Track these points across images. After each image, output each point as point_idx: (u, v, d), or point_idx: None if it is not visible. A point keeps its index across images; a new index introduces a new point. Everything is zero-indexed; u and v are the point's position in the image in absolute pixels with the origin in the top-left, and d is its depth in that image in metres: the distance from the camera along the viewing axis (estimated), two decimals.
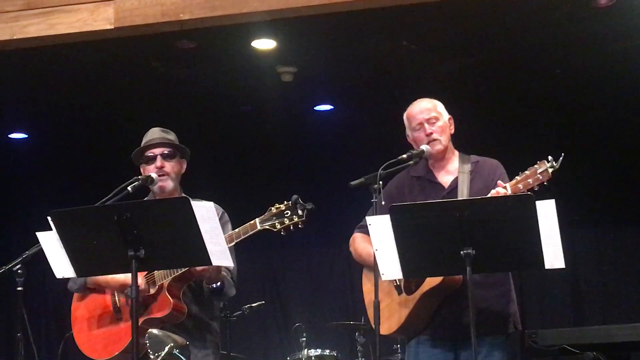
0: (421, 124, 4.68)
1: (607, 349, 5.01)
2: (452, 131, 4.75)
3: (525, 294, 8.45)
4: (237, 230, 4.37)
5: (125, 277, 4.34)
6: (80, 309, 4.70)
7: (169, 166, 4.66)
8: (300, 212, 4.29)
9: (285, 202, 4.32)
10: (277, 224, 4.30)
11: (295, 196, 4.31)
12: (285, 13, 5.71)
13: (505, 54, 7.44)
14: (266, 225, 4.32)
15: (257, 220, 4.33)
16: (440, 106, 4.75)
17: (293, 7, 5.61)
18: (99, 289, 4.65)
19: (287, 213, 4.29)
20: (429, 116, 4.68)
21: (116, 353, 4.48)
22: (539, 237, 3.95)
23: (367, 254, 4.50)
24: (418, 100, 4.79)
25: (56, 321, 9.89)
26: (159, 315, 4.41)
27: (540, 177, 4.22)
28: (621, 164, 8.66)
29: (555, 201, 3.97)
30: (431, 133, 4.65)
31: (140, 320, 4.33)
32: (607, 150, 8.62)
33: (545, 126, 8.42)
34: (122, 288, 4.51)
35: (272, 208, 4.32)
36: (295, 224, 4.30)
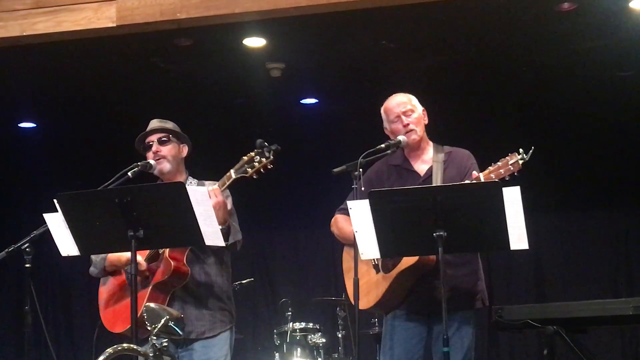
0: (398, 116, 4.69)
1: (566, 323, 5.01)
2: (426, 122, 4.78)
3: (493, 272, 8.47)
4: (217, 183, 4.35)
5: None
6: (104, 292, 4.69)
7: (164, 150, 4.64)
8: (267, 154, 4.25)
9: (255, 149, 4.27)
10: (248, 169, 4.26)
11: (259, 140, 4.27)
12: (275, 13, 5.70)
13: (476, 53, 7.45)
14: (240, 173, 4.28)
15: (231, 170, 4.32)
16: (414, 100, 4.77)
17: (282, 8, 5.61)
18: (117, 270, 4.63)
19: (257, 158, 4.26)
20: (405, 109, 4.70)
21: (129, 325, 4.46)
22: (505, 220, 3.97)
23: (349, 231, 4.51)
24: (394, 95, 4.80)
25: (62, 296, 9.89)
26: (161, 278, 4.37)
27: (512, 168, 4.24)
28: (582, 154, 8.69)
29: (520, 188, 3.99)
30: (408, 124, 4.67)
31: (148, 290, 4.35)
32: (569, 141, 8.64)
33: (512, 119, 8.44)
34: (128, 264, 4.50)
35: (244, 157, 4.29)
36: (265, 166, 4.25)
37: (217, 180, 4.41)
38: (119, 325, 4.52)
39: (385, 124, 4.78)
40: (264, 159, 4.25)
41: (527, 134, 7.86)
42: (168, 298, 4.40)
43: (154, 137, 4.67)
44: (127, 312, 4.41)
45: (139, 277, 4.36)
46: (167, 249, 4.39)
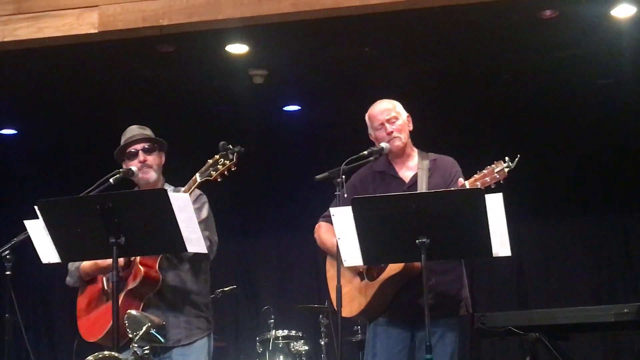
0: (382, 123, 4.69)
1: (548, 330, 5.03)
2: (411, 128, 4.77)
3: (476, 279, 8.49)
4: (183, 188, 4.34)
5: (108, 262, 4.29)
6: (81, 302, 4.64)
7: (150, 159, 4.59)
8: (230, 156, 4.24)
9: (220, 152, 4.27)
10: (212, 172, 4.25)
11: (222, 142, 4.27)
12: (257, 20, 5.69)
13: (458, 60, 7.46)
14: (205, 177, 4.27)
15: (197, 174, 4.31)
16: (399, 106, 4.76)
17: (264, 15, 5.60)
18: (93, 279, 4.59)
19: (221, 160, 4.25)
20: (389, 116, 4.69)
21: (104, 332, 4.41)
22: (488, 227, 3.98)
23: (331, 243, 4.51)
24: (379, 101, 4.80)
25: (42, 303, 9.83)
26: (132, 285, 4.32)
27: (497, 176, 4.24)
28: (564, 161, 8.72)
29: (503, 195, 4.00)
30: (392, 132, 4.67)
31: (121, 297, 4.28)
32: (551, 149, 8.68)
33: (495, 126, 8.46)
34: (105, 272, 4.46)
35: (209, 160, 4.29)
36: (228, 168, 4.25)
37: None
38: (94, 334, 4.47)
39: (370, 130, 4.77)
40: (227, 162, 4.24)
41: (509, 141, 7.88)
42: (142, 305, 4.34)
43: (138, 146, 4.60)
44: (101, 320, 4.40)
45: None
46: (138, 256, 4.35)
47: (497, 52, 7.30)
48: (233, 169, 4.26)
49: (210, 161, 4.29)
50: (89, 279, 4.59)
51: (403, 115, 4.74)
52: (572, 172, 8.70)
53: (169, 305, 4.42)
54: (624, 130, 8.17)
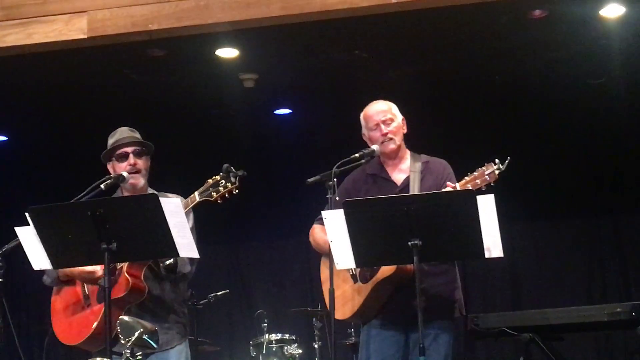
0: (377, 124, 4.68)
1: (542, 330, 5.04)
2: (405, 131, 4.77)
3: (468, 281, 8.48)
4: (181, 203, 4.27)
5: (92, 268, 4.35)
6: (57, 302, 4.64)
7: (140, 163, 4.59)
8: (233, 179, 4.22)
9: (221, 173, 4.25)
10: (213, 193, 4.23)
11: (226, 165, 4.24)
12: (247, 24, 5.68)
13: (448, 62, 7.47)
14: (205, 196, 4.25)
15: (195, 193, 4.29)
16: (394, 108, 4.76)
17: (254, 19, 5.59)
18: (71, 281, 4.59)
19: (222, 182, 4.23)
20: (385, 118, 4.69)
21: (85, 337, 4.43)
22: (480, 229, 3.98)
23: (324, 242, 4.50)
24: (375, 101, 4.80)
25: (35, 310, 9.79)
26: (118, 295, 4.31)
27: (488, 178, 4.25)
28: (554, 162, 8.73)
29: (495, 197, 4.00)
30: (386, 133, 4.67)
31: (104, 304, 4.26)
32: (542, 150, 8.68)
33: (486, 128, 8.46)
34: (88, 277, 4.45)
35: (209, 180, 4.27)
36: (230, 191, 4.23)
37: (180, 194, 4.40)
38: (73, 338, 4.48)
39: (364, 130, 4.77)
40: (229, 184, 4.22)
41: (500, 142, 7.89)
42: (123, 313, 4.34)
43: (129, 149, 4.60)
44: (83, 324, 4.42)
45: (94, 287, 4.38)
46: (125, 265, 4.34)
47: (487, 54, 7.31)
48: (235, 192, 4.24)
49: (210, 181, 4.26)
50: (66, 279, 4.58)
51: (398, 117, 4.74)
52: (564, 172, 8.70)
53: (149, 314, 4.42)
54: (615, 129, 8.19)
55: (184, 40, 6.18)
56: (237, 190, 4.24)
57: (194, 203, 4.28)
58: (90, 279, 4.43)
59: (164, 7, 5.59)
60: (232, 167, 4.23)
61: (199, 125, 8.61)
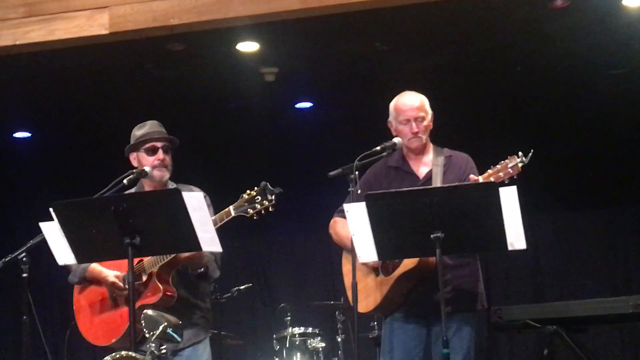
0: (408, 120, 4.63)
1: (566, 322, 5.01)
2: (431, 127, 4.74)
3: (491, 273, 8.47)
4: (214, 217, 4.32)
5: (115, 274, 4.42)
6: (82, 300, 4.68)
7: (167, 159, 4.62)
8: (269, 196, 4.24)
9: (256, 187, 4.27)
10: (249, 209, 4.26)
11: (263, 182, 4.26)
12: (267, 18, 5.69)
13: (469, 53, 7.45)
14: (240, 212, 4.28)
15: (231, 207, 4.30)
16: (427, 104, 4.70)
17: (274, 12, 5.60)
18: (97, 280, 4.61)
19: (258, 199, 4.25)
20: (417, 115, 4.63)
21: (115, 339, 4.47)
22: (502, 221, 3.97)
23: (346, 237, 4.49)
24: (407, 93, 4.72)
25: (59, 305, 9.85)
26: (151, 301, 4.37)
27: (511, 171, 4.23)
28: (578, 153, 8.69)
29: (517, 188, 3.99)
30: (417, 132, 4.62)
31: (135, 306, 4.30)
32: (565, 141, 8.64)
33: (507, 119, 8.43)
34: (113, 285, 4.49)
35: (244, 195, 4.28)
36: (266, 208, 4.25)
37: (201, 189, 4.42)
38: (103, 338, 4.53)
39: (392, 120, 4.71)
40: (265, 202, 4.25)
41: (522, 134, 7.86)
42: None
43: (159, 144, 4.61)
44: (111, 325, 4.46)
45: (123, 295, 4.40)
46: (155, 270, 4.38)
47: (508, 45, 7.28)
48: (271, 210, 4.25)
49: (245, 196, 4.28)
50: (92, 279, 4.62)
51: (429, 114, 4.69)
52: (586, 162, 8.66)
53: (176, 314, 4.44)
54: (638, 119, 8.13)
55: (204, 34, 6.21)
56: (273, 209, 4.25)
57: (229, 218, 4.31)
58: (113, 287, 4.49)
59: (185, 1, 5.61)
60: (269, 185, 4.25)
61: (219, 119, 8.63)
